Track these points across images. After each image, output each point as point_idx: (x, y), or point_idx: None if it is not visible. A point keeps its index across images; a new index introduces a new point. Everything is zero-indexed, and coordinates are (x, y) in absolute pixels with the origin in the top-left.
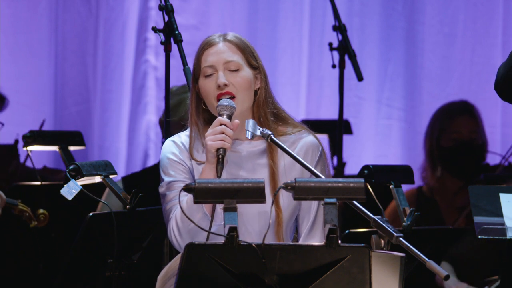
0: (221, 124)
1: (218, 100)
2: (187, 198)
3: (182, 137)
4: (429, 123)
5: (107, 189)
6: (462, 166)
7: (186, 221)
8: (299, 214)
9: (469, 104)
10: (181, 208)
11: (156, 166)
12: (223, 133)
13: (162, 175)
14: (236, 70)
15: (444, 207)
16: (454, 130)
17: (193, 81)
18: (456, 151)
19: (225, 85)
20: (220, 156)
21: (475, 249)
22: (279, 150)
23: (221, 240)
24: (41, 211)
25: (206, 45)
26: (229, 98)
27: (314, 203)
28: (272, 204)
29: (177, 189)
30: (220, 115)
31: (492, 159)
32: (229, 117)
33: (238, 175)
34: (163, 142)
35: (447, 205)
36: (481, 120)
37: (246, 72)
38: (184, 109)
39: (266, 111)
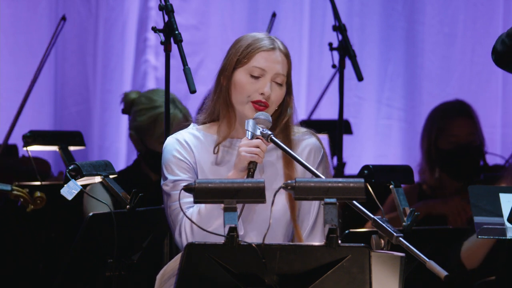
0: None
1: (252, 102)
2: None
3: (185, 135)
4: (425, 124)
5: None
6: (460, 168)
7: (205, 226)
8: (298, 215)
9: (466, 105)
10: (191, 214)
11: (128, 170)
12: (258, 148)
13: (166, 173)
14: (280, 85)
15: None
16: (452, 133)
17: (227, 69)
18: (455, 153)
19: (268, 96)
20: (252, 170)
21: None
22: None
23: (221, 240)
24: (38, 194)
25: (264, 47)
26: (263, 106)
27: (314, 205)
28: (272, 204)
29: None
30: None
31: (490, 159)
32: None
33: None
34: (137, 155)
35: None
36: (478, 120)
37: (284, 88)
38: (160, 127)
39: (292, 124)
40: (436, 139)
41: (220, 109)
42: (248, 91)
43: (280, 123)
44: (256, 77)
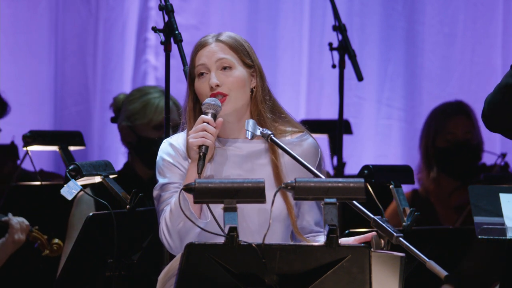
0: (203, 122)
1: None
2: (174, 199)
3: (180, 138)
4: (425, 124)
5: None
6: (457, 166)
7: (175, 222)
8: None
9: (464, 104)
10: (170, 208)
11: (118, 174)
12: (205, 131)
13: (157, 176)
14: (229, 68)
15: (440, 208)
16: (449, 131)
17: (189, 82)
18: (451, 151)
19: (217, 85)
20: (201, 153)
21: (480, 265)
22: (279, 149)
23: (221, 240)
24: (55, 240)
25: (199, 46)
26: (222, 97)
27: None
28: (272, 204)
29: (170, 191)
30: (205, 113)
31: (489, 159)
32: (214, 115)
33: (236, 175)
34: (128, 153)
35: (443, 205)
36: (476, 120)
37: (239, 71)
38: (151, 110)
39: (265, 109)
40: (434, 138)
41: (195, 118)
42: (202, 92)
43: (253, 109)
44: (203, 75)
